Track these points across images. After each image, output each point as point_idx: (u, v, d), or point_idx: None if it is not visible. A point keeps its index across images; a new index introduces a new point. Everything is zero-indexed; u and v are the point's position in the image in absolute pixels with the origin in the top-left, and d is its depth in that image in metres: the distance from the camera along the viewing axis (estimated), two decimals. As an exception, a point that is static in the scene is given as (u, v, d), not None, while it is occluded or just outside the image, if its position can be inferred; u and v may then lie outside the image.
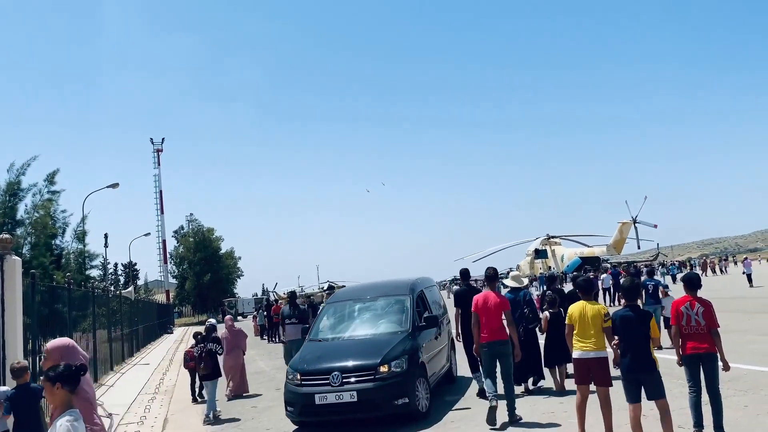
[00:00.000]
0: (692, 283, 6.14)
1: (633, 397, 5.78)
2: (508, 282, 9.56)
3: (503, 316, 7.67)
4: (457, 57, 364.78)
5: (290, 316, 12.18)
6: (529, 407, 8.10)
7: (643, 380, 5.71)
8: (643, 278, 15.87)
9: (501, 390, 7.55)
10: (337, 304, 10.26)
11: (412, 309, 9.04)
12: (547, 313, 9.28)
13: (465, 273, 10.17)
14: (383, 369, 7.72)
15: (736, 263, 60.70)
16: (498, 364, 7.60)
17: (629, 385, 5.79)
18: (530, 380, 9.25)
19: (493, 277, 8.28)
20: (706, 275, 46.48)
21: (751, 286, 29.17)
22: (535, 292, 22.54)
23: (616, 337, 5.95)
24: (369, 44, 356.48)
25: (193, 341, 11.14)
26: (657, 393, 5.69)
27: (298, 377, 7.98)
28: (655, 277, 15.71)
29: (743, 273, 31.76)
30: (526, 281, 10.73)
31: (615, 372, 6.17)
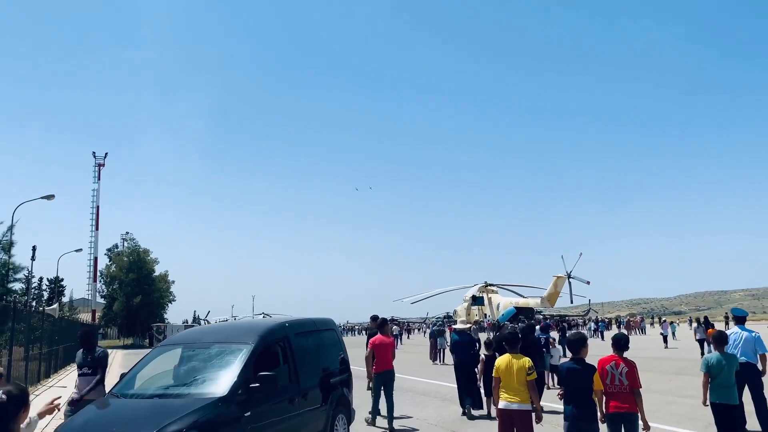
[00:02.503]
0: (620, 344, 6.37)
1: None
2: (458, 327, 12.57)
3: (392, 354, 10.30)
4: (411, 95, 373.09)
5: (81, 365, 8.39)
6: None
7: (585, 429, 5.94)
8: (536, 333, 18.43)
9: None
10: (168, 347, 8.01)
11: (243, 363, 6.77)
12: (482, 355, 11.14)
13: (375, 318, 12.63)
14: None
15: (654, 324, 63.57)
16: (384, 388, 10.07)
17: None
18: (469, 406, 11.09)
19: (382, 324, 10.81)
20: (632, 334, 48.48)
21: (666, 347, 30.61)
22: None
23: (560, 388, 6.27)
24: (320, 77, 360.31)
25: None
26: None
27: None
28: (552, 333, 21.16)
29: (660, 334, 33.31)
30: (469, 326, 13.62)
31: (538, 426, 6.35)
